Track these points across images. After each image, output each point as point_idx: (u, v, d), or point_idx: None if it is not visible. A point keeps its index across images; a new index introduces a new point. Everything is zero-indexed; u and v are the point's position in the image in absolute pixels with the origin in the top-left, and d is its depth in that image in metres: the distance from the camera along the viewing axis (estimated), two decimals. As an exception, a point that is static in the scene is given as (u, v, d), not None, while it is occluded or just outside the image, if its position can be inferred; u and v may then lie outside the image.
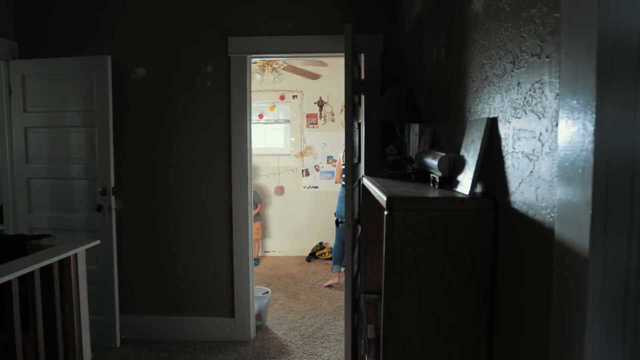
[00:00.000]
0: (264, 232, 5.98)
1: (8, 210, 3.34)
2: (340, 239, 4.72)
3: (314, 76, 5.42)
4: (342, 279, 4.68)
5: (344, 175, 4.72)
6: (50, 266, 2.08)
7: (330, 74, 5.58)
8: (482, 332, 1.13)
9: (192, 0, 3.19)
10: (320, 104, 5.90)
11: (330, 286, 4.69)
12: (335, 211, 4.90)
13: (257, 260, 5.58)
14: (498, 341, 1.12)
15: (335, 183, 5.19)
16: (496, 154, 1.12)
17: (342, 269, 4.98)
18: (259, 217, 5.76)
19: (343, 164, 4.72)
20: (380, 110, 1.97)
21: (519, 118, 0.99)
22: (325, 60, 5.14)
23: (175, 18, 3.21)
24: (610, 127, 0.67)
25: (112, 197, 3.13)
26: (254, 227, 3.50)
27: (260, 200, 5.81)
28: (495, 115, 1.13)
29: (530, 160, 0.93)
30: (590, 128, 0.68)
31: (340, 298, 4.28)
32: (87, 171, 3.18)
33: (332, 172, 5.91)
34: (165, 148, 3.27)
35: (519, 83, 0.99)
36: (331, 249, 5.42)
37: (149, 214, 3.31)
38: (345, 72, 2.31)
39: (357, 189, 2.52)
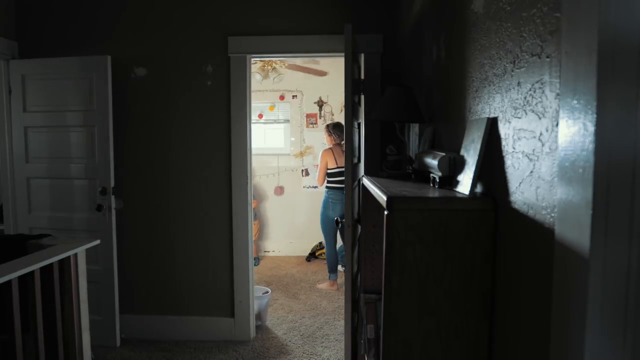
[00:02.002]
0: (260, 234, 5.90)
1: (8, 210, 3.34)
2: (331, 245, 4.67)
3: (320, 73, 5.35)
4: (337, 286, 4.66)
5: (334, 178, 4.67)
6: (50, 266, 2.08)
7: (330, 74, 5.57)
8: (482, 332, 1.13)
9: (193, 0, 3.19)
10: (320, 103, 5.90)
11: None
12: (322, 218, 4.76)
13: (256, 260, 5.56)
14: (498, 341, 1.12)
15: (321, 185, 4.87)
16: (496, 154, 1.12)
17: (341, 269, 4.97)
18: (255, 216, 5.71)
19: (334, 168, 4.67)
20: (380, 110, 1.97)
21: (519, 118, 0.99)
22: (324, 61, 5.13)
23: (175, 18, 3.20)
24: (610, 127, 0.66)
25: (112, 197, 3.13)
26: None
27: (253, 197, 5.70)
28: (496, 115, 1.13)
29: (531, 160, 0.93)
30: (591, 128, 0.68)
31: (340, 298, 4.28)
32: (87, 171, 3.18)
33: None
34: (165, 147, 3.27)
35: (519, 83, 0.99)
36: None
37: (149, 214, 3.31)
38: (345, 72, 2.31)
39: (357, 188, 2.52)
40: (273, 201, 6.01)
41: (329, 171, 4.68)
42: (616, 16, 0.65)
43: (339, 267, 5.17)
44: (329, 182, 4.72)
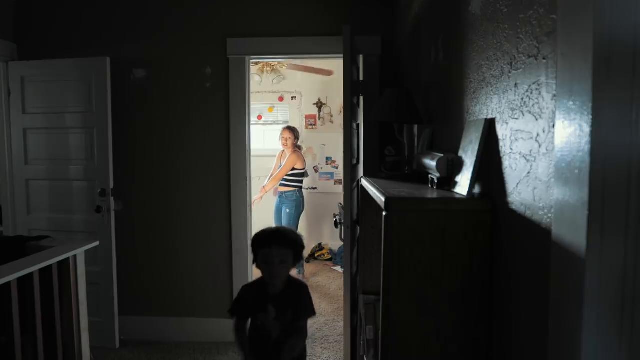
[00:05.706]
0: None
1: (7, 211, 3.34)
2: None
3: (327, 72, 5.33)
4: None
5: (299, 178, 4.73)
6: (49, 267, 2.08)
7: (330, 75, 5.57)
8: (480, 333, 1.14)
9: (192, 1, 3.20)
10: (319, 105, 5.90)
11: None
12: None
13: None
14: (496, 341, 1.12)
15: (274, 187, 4.90)
16: (494, 155, 1.12)
17: (340, 270, 4.96)
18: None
19: (303, 168, 4.71)
20: (378, 111, 1.98)
21: (517, 119, 0.99)
22: (323, 62, 5.13)
23: (174, 19, 3.21)
24: (606, 128, 0.67)
25: (112, 198, 3.13)
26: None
27: None
28: (493, 116, 1.14)
29: (528, 161, 0.93)
30: (587, 129, 0.68)
31: (339, 299, 4.28)
32: (86, 172, 3.18)
33: (332, 174, 5.83)
34: (164, 149, 3.27)
35: (516, 84, 1.00)
36: (330, 250, 5.41)
37: (148, 215, 3.31)
38: (344, 74, 2.31)
39: (355, 189, 2.52)
40: (272, 202, 5.99)
41: (297, 172, 4.83)
42: (611, 18, 0.66)
43: (338, 268, 5.17)
44: (297, 182, 4.87)
